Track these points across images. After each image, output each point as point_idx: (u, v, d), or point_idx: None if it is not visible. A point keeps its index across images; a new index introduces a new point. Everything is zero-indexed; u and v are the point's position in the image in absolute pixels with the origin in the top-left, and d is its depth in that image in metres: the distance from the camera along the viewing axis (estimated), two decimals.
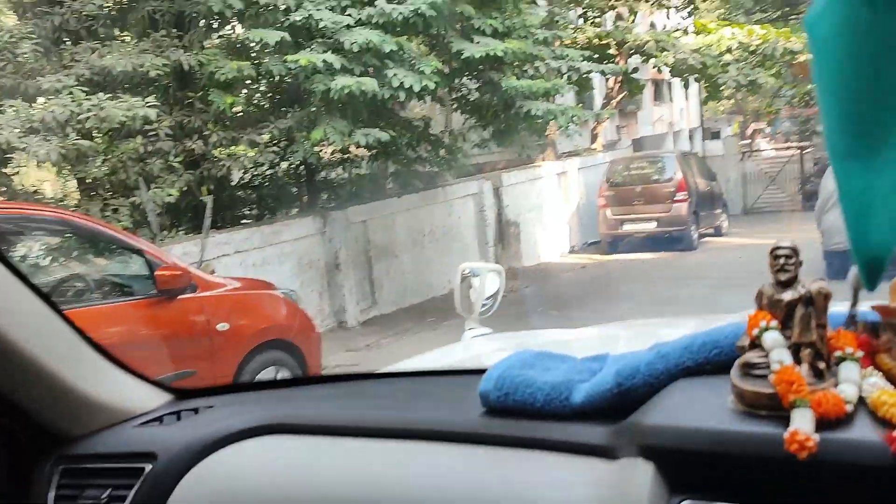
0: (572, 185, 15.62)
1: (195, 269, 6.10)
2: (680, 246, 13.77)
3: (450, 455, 1.07)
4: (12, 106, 7.73)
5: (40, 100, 8.03)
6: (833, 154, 0.81)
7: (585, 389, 1.03)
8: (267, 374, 6.09)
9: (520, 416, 1.06)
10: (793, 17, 17.99)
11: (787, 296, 0.90)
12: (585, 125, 16.95)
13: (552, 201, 14.94)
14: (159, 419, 1.35)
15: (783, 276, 0.90)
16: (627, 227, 14.26)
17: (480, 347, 2.96)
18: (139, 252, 5.67)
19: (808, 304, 0.89)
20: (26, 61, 8.39)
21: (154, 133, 8.73)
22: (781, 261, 0.90)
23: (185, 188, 9.01)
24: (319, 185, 11.43)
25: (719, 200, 15.78)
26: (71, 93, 7.80)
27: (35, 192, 9.44)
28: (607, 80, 17.38)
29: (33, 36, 8.54)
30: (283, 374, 6.18)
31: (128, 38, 9.65)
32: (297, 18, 9.04)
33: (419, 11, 8.92)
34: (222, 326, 5.87)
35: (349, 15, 9.08)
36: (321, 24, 8.97)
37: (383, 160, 11.34)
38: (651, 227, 14.04)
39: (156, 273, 5.50)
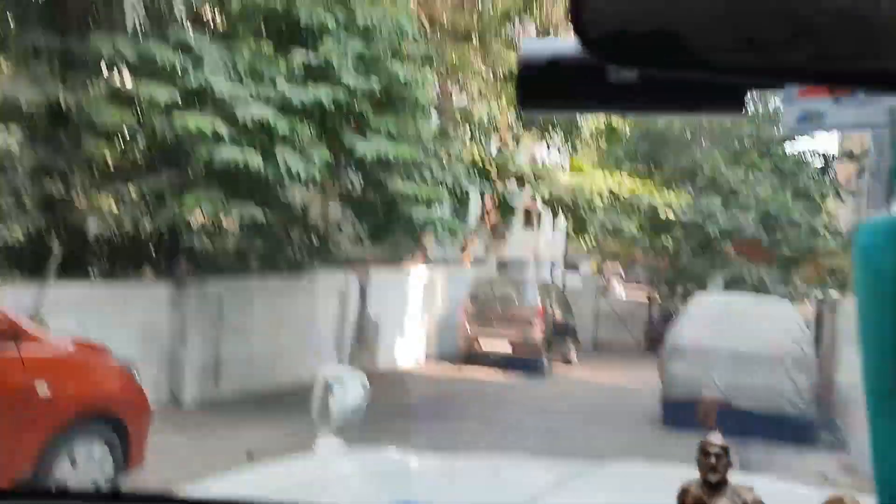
0: (438, 295, 15.76)
1: (22, 320, 5.53)
2: (531, 371, 14.08)
3: None
4: None
5: None
6: (872, 392, 0.68)
7: None
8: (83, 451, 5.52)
9: None
10: (659, 174, 19.53)
11: None
12: (458, 236, 17.33)
13: (416, 307, 14.97)
14: None
15: (714, 478, 0.87)
16: (485, 345, 14.47)
17: (335, 466, 2.79)
18: None
19: None
20: None
21: (10, 167, 8.10)
22: (713, 459, 0.87)
23: (35, 232, 8.34)
24: (180, 252, 10.90)
25: (572, 332, 16.39)
26: None
27: None
28: (484, 199, 18.00)
29: None
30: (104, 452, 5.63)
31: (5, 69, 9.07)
32: (193, 82, 8.84)
33: (319, 100, 8.97)
34: (44, 391, 5.30)
35: (248, 89, 8.98)
36: (217, 92, 8.80)
37: (253, 237, 11.02)
38: (507, 348, 14.32)
39: None
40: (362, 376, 3.36)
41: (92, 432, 5.61)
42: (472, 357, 14.57)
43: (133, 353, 8.23)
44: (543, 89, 0.67)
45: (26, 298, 7.13)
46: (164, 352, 9.64)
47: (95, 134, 8.53)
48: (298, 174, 8.83)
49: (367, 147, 9.39)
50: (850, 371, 10.53)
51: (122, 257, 10.52)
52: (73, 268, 9.38)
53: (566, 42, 0.64)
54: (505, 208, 18.57)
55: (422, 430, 8.08)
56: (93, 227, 9.68)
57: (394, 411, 10.45)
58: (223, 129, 8.61)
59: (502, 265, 21.33)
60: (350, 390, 3.18)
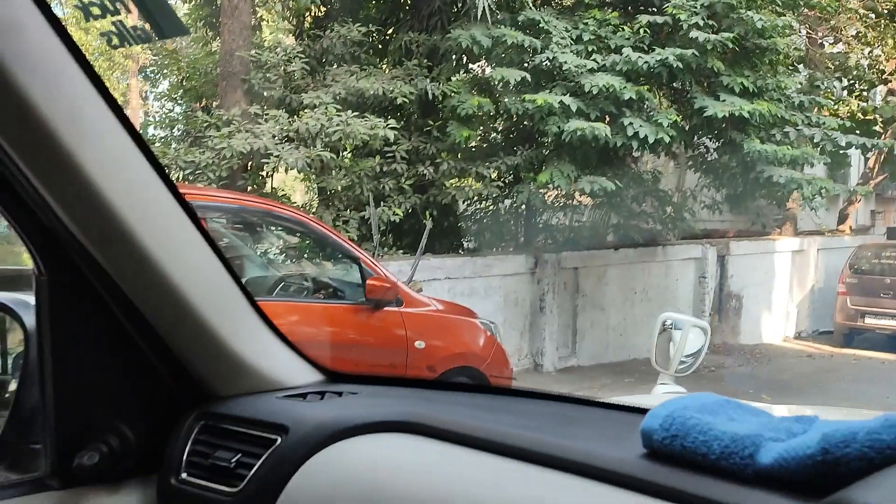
0: (809, 266, 14.30)
1: (403, 286, 6.29)
2: None
3: (596, 495, 0.93)
4: (274, 116, 8.57)
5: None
6: None
7: (778, 450, 0.84)
8: None
9: (688, 466, 0.89)
10: None
11: None
12: (834, 203, 15.51)
13: (783, 280, 13.77)
14: (303, 395, 1.33)
15: None
16: (869, 321, 12.74)
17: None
18: (356, 261, 5.97)
19: None
20: (294, 78, 9.30)
21: (391, 154, 9.25)
22: None
23: (411, 210, 9.42)
24: (537, 227, 11.44)
25: None
26: (326, 108, 8.49)
27: (284, 195, 10.37)
28: (867, 159, 15.83)
29: (303, 56, 9.45)
30: None
31: (384, 67, 10.38)
32: (542, 60, 9.16)
33: (666, 62, 8.69)
34: (419, 344, 5.99)
35: (594, 60, 9.05)
36: (564, 67, 9.00)
37: (606, 210, 11.11)
38: None
39: (367, 282, 5.75)
40: (703, 322, 3.20)
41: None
42: (854, 334, 12.94)
43: (497, 319, 8.90)
44: None
45: (407, 269, 8.10)
46: (525, 320, 10.22)
47: (459, 120, 9.33)
48: (647, 140, 8.67)
49: (719, 107, 8.84)
50: None
51: (486, 232, 11.39)
52: (445, 242, 10.42)
53: None
54: (894, 166, 16.13)
55: (789, 406, 7.41)
56: (460, 205, 10.62)
57: (758, 384, 9.78)
58: (571, 102, 8.79)
59: (894, 233, 18.58)
60: (690, 335, 3.04)
